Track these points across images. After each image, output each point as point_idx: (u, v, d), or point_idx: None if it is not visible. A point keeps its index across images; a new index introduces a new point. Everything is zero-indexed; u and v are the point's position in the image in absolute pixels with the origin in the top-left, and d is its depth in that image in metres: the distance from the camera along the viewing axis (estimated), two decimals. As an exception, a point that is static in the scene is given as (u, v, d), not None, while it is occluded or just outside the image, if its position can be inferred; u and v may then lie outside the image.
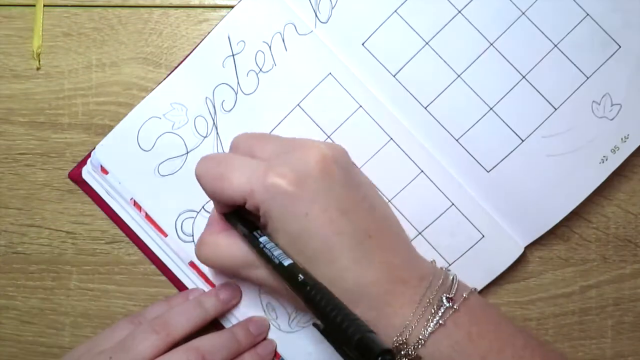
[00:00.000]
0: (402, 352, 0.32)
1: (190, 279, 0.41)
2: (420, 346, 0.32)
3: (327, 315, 0.30)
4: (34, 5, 0.41)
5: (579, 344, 0.40)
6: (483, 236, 0.39)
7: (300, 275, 0.32)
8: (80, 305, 0.42)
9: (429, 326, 0.33)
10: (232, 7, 0.40)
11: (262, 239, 0.34)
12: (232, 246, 0.36)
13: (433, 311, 0.33)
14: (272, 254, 0.33)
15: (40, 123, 0.41)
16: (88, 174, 0.41)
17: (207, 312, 0.38)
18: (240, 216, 0.36)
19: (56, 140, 0.41)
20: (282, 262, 0.33)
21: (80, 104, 0.41)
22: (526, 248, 0.40)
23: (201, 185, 0.36)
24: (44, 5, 0.41)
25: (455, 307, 0.33)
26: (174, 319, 0.37)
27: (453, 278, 0.35)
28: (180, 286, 0.41)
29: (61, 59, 0.41)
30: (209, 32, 0.40)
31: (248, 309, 0.40)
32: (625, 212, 0.40)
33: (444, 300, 0.33)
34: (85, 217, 0.42)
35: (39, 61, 0.41)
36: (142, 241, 0.41)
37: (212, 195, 0.36)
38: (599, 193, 0.40)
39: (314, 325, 0.32)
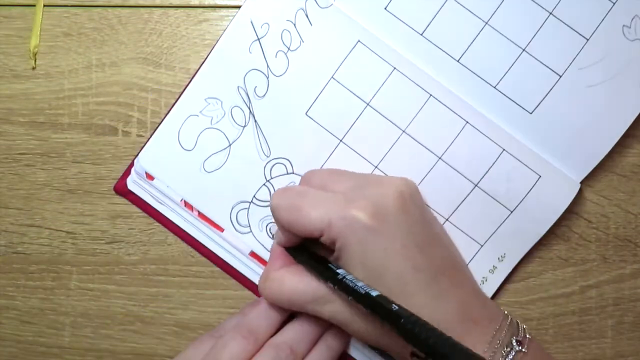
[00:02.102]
0: None
1: (253, 270, 0.40)
2: None
3: (431, 346, 0.29)
4: (34, 5, 0.41)
5: (579, 344, 0.40)
6: (540, 176, 0.39)
7: (394, 305, 0.31)
8: (80, 305, 0.42)
9: None
10: (232, 7, 0.40)
11: (341, 271, 0.34)
12: (300, 282, 0.36)
13: (504, 353, 0.34)
14: (356, 285, 0.33)
15: (40, 123, 0.41)
16: (134, 183, 0.41)
17: (282, 311, 0.38)
18: (307, 250, 0.36)
19: (56, 140, 0.41)
20: (369, 292, 0.32)
21: (80, 104, 0.41)
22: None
23: (277, 217, 0.36)
24: (44, 6, 0.41)
25: (524, 350, 0.34)
26: (256, 323, 0.37)
27: (517, 321, 0.36)
28: (244, 281, 0.41)
29: (61, 59, 0.41)
30: (225, 28, 0.40)
31: None
32: (625, 212, 0.40)
33: (514, 343, 0.34)
34: (85, 217, 0.42)
35: (35, 61, 0.41)
36: (201, 243, 0.41)
37: (287, 227, 0.36)
38: (599, 193, 0.40)
39: (413, 354, 0.31)
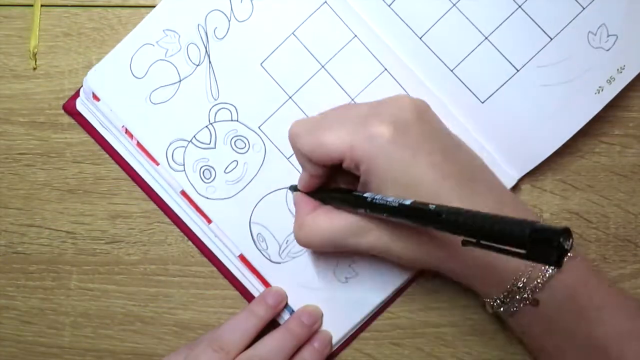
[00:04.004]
0: (518, 297, 0.33)
1: (181, 208, 0.41)
2: (537, 290, 0.33)
3: (478, 228, 0.28)
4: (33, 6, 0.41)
5: (579, 344, 0.40)
6: None
7: (431, 205, 0.30)
8: (80, 305, 0.42)
9: (548, 270, 0.32)
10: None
11: (368, 194, 0.34)
12: (333, 219, 0.36)
13: None
14: (387, 200, 0.32)
15: (40, 123, 0.41)
16: (82, 104, 0.41)
17: (259, 319, 0.38)
18: (329, 188, 0.37)
19: (56, 140, 0.41)
20: (403, 202, 0.32)
21: (80, 104, 0.41)
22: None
23: (297, 144, 0.35)
24: (44, 5, 0.41)
25: (570, 254, 0.33)
26: (228, 337, 0.37)
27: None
28: (171, 215, 0.41)
29: (61, 59, 0.41)
30: None
31: (238, 238, 0.40)
32: (625, 212, 0.40)
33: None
34: (85, 217, 0.42)
35: (35, 61, 0.41)
36: (137, 172, 0.41)
37: (309, 155, 0.35)
38: (599, 193, 0.40)
39: (464, 243, 0.29)
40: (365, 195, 0.34)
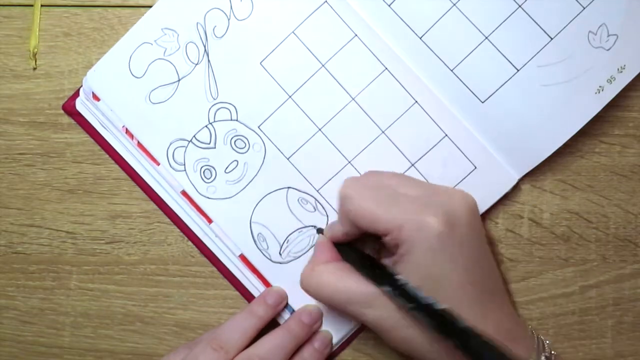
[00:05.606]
0: None
1: (182, 208, 0.40)
2: None
3: None
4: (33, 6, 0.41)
5: (579, 344, 0.40)
6: (475, 167, 0.39)
7: (461, 322, 0.31)
8: (80, 305, 0.42)
9: None
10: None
11: (400, 277, 0.33)
12: (346, 280, 0.35)
13: None
14: (418, 295, 0.32)
15: (40, 123, 0.41)
16: (82, 104, 0.41)
17: (259, 319, 0.38)
18: (359, 249, 0.36)
19: (56, 140, 0.41)
20: (434, 305, 0.32)
21: (80, 104, 0.41)
22: (527, 247, 0.40)
23: (346, 206, 0.35)
24: (44, 5, 0.41)
25: None
26: (227, 336, 0.37)
27: (541, 338, 0.36)
28: (171, 215, 0.41)
29: (61, 59, 0.41)
30: None
31: (238, 238, 0.40)
32: (625, 212, 0.40)
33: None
34: (85, 217, 0.42)
35: (36, 61, 0.41)
36: (137, 172, 0.41)
37: (354, 219, 0.35)
38: (599, 193, 0.40)
39: None
40: (397, 277, 0.33)
